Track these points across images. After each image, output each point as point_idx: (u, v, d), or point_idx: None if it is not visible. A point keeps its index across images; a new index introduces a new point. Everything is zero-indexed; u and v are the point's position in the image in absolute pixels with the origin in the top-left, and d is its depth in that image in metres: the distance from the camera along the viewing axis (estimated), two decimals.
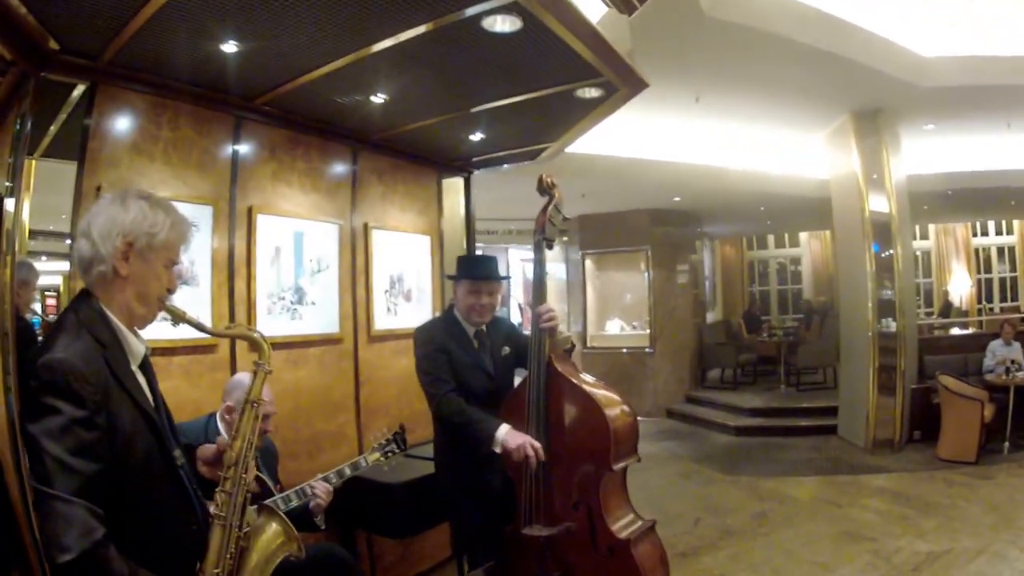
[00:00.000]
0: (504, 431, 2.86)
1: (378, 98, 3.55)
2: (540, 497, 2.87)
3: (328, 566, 2.86)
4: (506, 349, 3.25)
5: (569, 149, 5.86)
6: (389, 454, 3.20)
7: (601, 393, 2.89)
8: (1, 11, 2.39)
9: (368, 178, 4.31)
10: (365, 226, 4.26)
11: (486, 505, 3.06)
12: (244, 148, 3.59)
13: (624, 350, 10.45)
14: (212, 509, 1.73)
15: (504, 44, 2.99)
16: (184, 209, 3.21)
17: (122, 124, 3.12)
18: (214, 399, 3.16)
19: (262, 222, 3.63)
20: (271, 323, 3.65)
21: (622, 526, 2.83)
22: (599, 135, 6.99)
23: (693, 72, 6.00)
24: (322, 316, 3.92)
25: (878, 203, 7.26)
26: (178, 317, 1.81)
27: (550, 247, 3.09)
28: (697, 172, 8.46)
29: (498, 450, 2.85)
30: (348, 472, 3.11)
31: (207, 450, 1.91)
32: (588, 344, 10.78)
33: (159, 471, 1.63)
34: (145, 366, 1.74)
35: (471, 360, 3.15)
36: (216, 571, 1.64)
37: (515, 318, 12.40)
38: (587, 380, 2.96)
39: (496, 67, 3.25)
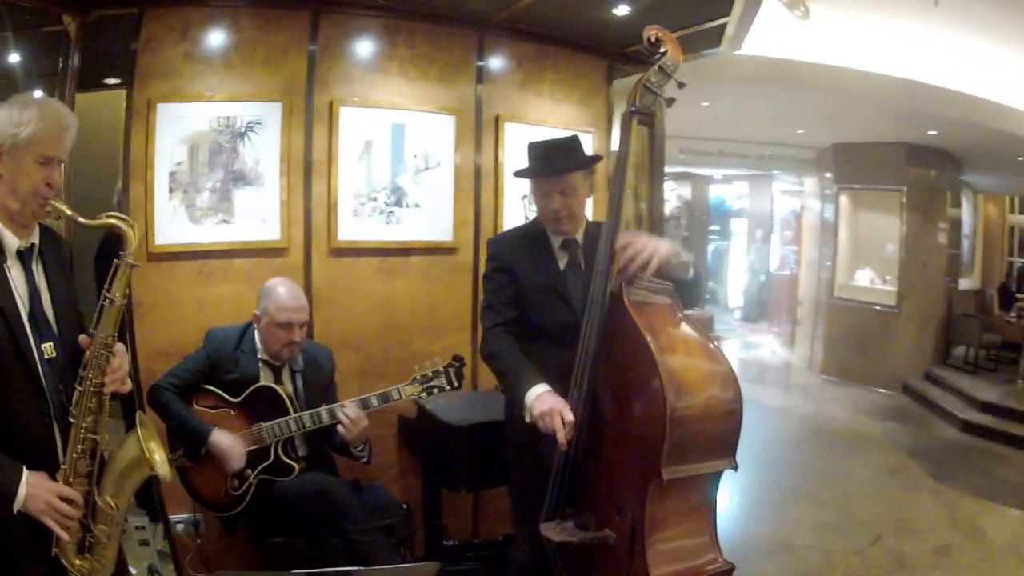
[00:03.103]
0: (535, 393, 1.92)
1: None
2: (564, 486, 1.94)
3: (318, 502, 2.33)
4: None
5: (802, 56, 4.72)
6: (433, 390, 2.39)
7: (677, 359, 1.76)
8: None
9: (501, 64, 3.39)
10: (496, 119, 3.35)
11: (539, 480, 2.06)
12: (323, 42, 2.97)
13: (877, 307, 7.95)
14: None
15: None
16: (246, 109, 2.77)
17: (172, 37, 2.75)
18: None
19: (346, 115, 2.98)
20: (358, 226, 3.04)
21: (668, 561, 1.73)
22: (837, 41, 5.02)
23: None
24: (429, 221, 3.18)
25: None
26: (57, 211, 1.66)
27: (646, 123, 2.00)
28: (949, 99, 5.76)
29: (528, 418, 1.92)
30: (375, 403, 2.42)
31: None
32: (835, 294, 8.46)
33: (8, 361, 1.54)
34: (26, 260, 1.63)
35: (546, 282, 2.14)
36: (65, 467, 1.58)
37: None
38: (668, 332, 1.83)
39: None
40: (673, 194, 9.38)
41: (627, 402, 1.83)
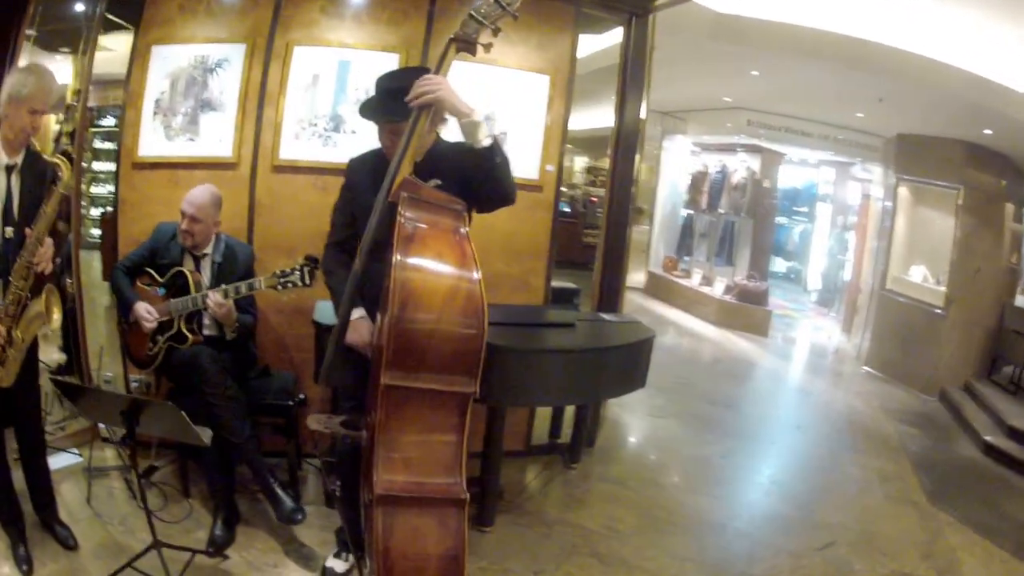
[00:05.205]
0: (355, 315, 2.17)
1: None
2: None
3: (185, 366, 2.69)
4: (435, 182, 2.09)
5: (856, 32, 4.33)
6: (287, 284, 2.66)
7: (417, 274, 1.73)
8: None
9: (449, 5, 3.42)
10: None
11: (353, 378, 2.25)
12: None
13: (929, 307, 6.78)
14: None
15: None
16: (214, 49, 3.30)
17: None
18: (229, 214, 3.06)
19: (300, 53, 3.31)
20: (296, 147, 3.36)
21: (397, 470, 1.72)
22: (891, 19, 4.39)
23: None
24: (365, 146, 3.22)
25: None
26: (30, 145, 2.27)
27: (467, 50, 1.97)
28: (1006, 97, 4.64)
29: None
30: (244, 290, 2.74)
31: None
32: (886, 286, 7.35)
33: None
34: (10, 172, 2.23)
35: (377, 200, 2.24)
36: (1, 308, 2.20)
37: None
38: (423, 246, 1.78)
39: None
40: (743, 165, 8.60)
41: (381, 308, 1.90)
